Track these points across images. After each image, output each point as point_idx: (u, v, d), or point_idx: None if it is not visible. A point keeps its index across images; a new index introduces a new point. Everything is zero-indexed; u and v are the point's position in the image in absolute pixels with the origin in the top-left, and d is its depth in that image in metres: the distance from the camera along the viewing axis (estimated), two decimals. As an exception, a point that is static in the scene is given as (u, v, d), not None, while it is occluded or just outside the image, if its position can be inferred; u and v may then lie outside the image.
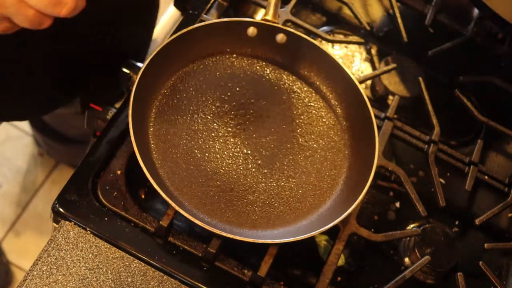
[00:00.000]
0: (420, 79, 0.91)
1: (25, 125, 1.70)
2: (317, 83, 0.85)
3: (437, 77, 0.98)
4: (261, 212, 0.75)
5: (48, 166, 1.72)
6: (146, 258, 0.70)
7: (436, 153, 0.85)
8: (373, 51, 0.99)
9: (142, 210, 0.73)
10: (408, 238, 0.83)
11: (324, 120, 0.83)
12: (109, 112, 0.81)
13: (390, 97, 0.93)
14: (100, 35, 0.94)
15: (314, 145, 0.81)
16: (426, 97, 0.89)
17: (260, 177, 0.77)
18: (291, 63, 0.85)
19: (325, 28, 1.00)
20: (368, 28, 0.95)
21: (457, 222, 0.88)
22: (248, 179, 0.77)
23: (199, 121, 0.79)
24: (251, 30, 0.82)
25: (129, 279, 0.68)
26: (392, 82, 0.94)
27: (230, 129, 0.80)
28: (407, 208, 0.84)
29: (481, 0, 0.89)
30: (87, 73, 0.99)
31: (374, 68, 0.97)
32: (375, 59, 0.98)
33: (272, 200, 0.76)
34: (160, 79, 0.79)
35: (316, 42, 0.83)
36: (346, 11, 1.01)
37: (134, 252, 0.70)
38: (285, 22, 0.88)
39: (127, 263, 0.69)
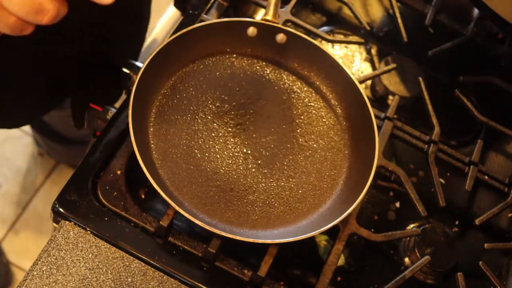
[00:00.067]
0: (420, 79, 0.91)
1: (25, 125, 1.70)
2: (317, 83, 0.85)
3: (437, 77, 0.98)
4: (261, 212, 0.75)
5: (48, 166, 1.73)
6: (146, 258, 0.70)
7: (436, 153, 0.85)
8: (373, 51, 0.99)
9: (142, 210, 0.73)
10: (408, 238, 0.83)
11: (324, 120, 0.83)
12: (109, 112, 0.81)
13: (390, 97, 0.93)
14: (90, 37, 0.94)
15: (314, 145, 0.81)
16: (426, 97, 0.89)
17: (260, 177, 0.77)
18: (291, 63, 0.85)
19: (325, 28, 1.00)
20: (368, 28, 0.95)
21: (457, 222, 0.88)
22: (248, 179, 0.77)
23: (199, 121, 0.79)
24: (251, 30, 0.82)
25: (129, 279, 0.68)
26: (392, 82, 0.94)
27: (230, 129, 0.80)
28: (407, 208, 0.84)
29: (481, 0, 0.89)
30: (82, 74, 0.99)
31: (374, 68, 0.97)
32: (375, 59, 0.98)
33: (272, 200, 0.76)
34: (160, 79, 0.79)
35: (316, 42, 0.83)
36: (346, 11, 1.01)
37: (134, 252, 0.70)
38: (285, 22, 0.88)
39: (127, 263, 0.69)
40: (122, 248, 0.70)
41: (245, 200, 0.76)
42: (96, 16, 0.85)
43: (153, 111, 0.78)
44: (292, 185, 0.78)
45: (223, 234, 0.68)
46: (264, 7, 0.84)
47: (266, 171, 0.78)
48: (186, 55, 0.81)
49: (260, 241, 0.70)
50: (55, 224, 0.72)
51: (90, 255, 0.68)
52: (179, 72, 0.81)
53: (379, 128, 0.83)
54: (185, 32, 0.79)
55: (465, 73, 0.95)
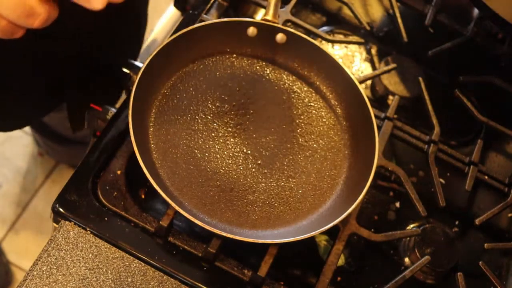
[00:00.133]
0: (420, 79, 0.91)
1: (25, 125, 1.70)
2: (317, 83, 0.85)
3: (437, 77, 0.98)
4: (261, 212, 0.75)
5: (48, 166, 1.73)
6: (146, 258, 0.70)
7: (436, 153, 0.85)
8: (373, 51, 0.99)
9: (142, 210, 0.73)
10: (408, 238, 0.83)
11: (324, 120, 0.83)
12: (109, 112, 0.81)
13: (390, 97, 0.93)
14: (89, 37, 0.94)
15: (314, 145, 0.81)
16: (426, 97, 0.89)
17: (260, 177, 0.77)
18: (291, 63, 0.85)
19: (325, 28, 1.00)
20: (368, 28, 0.95)
21: (457, 222, 0.88)
22: (248, 179, 0.77)
23: (199, 121, 0.79)
24: (251, 30, 0.82)
25: (129, 279, 0.68)
26: (392, 82, 0.94)
27: (230, 129, 0.80)
28: (407, 208, 0.84)
29: (481, 0, 0.89)
30: (82, 74, 0.99)
31: (374, 68, 0.97)
32: (375, 59, 0.98)
33: (272, 200, 0.76)
34: (160, 79, 0.79)
35: (316, 42, 0.83)
36: (346, 11, 1.01)
37: (134, 252, 0.70)
38: (285, 22, 0.88)
39: (127, 263, 0.69)
40: (122, 248, 0.70)
41: (245, 200, 0.76)
42: (95, 17, 0.85)
43: (153, 111, 0.78)
44: (292, 185, 0.78)
45: (223, 234, 0.68)
46: (264, 7, 0.84)
47: (266, 171, 0.78)
48: (186, 55, 0.81)
49: (260, 241, 0.70)
50: (55, 224, 0.72)
51: (90, 255, 0.68)
52: (179, 72, 0.81)
53: (379, 128, 0.83)
54: (185, 32, 0.79)
55: (465, 73, 0.95)
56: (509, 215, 0.91)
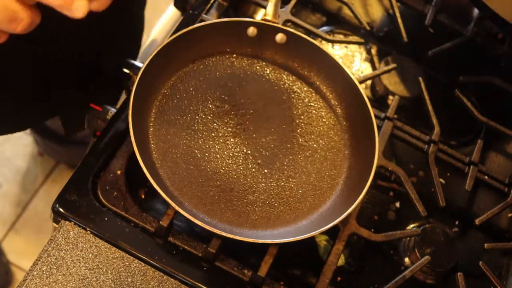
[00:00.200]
0: (420, 79, 0.91)
1: (25, 125, 1.70)
2: (317, 83, 0.85)
3: (437, 77, 0.98)
4: (261, 212, 0.75)
5: (48, 166, 1.73)
6: (146, 258, 0.70)
7: (436, 153, 0.85)
8: (373, 51, 0.99)
9: (142, 210, 0.73)
10: (408, 238, 0.83)
11: (324, 120, 0.83)
12: (109, 112, 0.81)
13: (390, 97, 0.93)
14: (89, 37, 0.94)
15: (314, 145, 0.81)
16: (426, 97, 0.89)
17: (260, 177, 0.77)
18: (291, 63, 0.85)
19: (325, 28, 1.00)
20: (368, 28, 0.95)
21: (457, 222, 0.88)
22: (248, 179, 0.77)
23: (199, 121, 0.79)
24: (251, 30, 0.82)
25: (129, 279, 0.68)
26: (392, 82, 0.94)
27: (230, 129, 0.80)
28: (407, 208, 0.84)
29: (481, 0, 0.89)
30: (82, 74, 0.99)
31: (374, 68, 0.97)
32: (375, 59, 0.98)
33: (272, 200, 0.76)
34: (160, 79, 0.79)
35: (316, 42, 0.83)
36: (346, 11, 1.01)
37: (134, 252, 0.70)
38: (285, 22, 0.88)
39: (127, 263, 0.69)
40: (122, 248, 0.70)
41: (245, 200, 0.76)
42: (93, 18, 0.85)
43: (153, 111, 0.78)
44: (292, 185, 0.78)
45: (223, 234, 0.68)
46: (264, 7, 0.84)
47: (266, 171, 0.78)
48: (186, 55, 0.81)
49: (260, 241, 0.70)
50: (55, 224, 0.72)
51: (90, 255, 0.68)
52: (179, 72, 0.81)
53: (379, 128, 0.83)
54: (185, 32, 0.79)
55: (465, 73, 0.95)
56: (509, 215, 0.91)
